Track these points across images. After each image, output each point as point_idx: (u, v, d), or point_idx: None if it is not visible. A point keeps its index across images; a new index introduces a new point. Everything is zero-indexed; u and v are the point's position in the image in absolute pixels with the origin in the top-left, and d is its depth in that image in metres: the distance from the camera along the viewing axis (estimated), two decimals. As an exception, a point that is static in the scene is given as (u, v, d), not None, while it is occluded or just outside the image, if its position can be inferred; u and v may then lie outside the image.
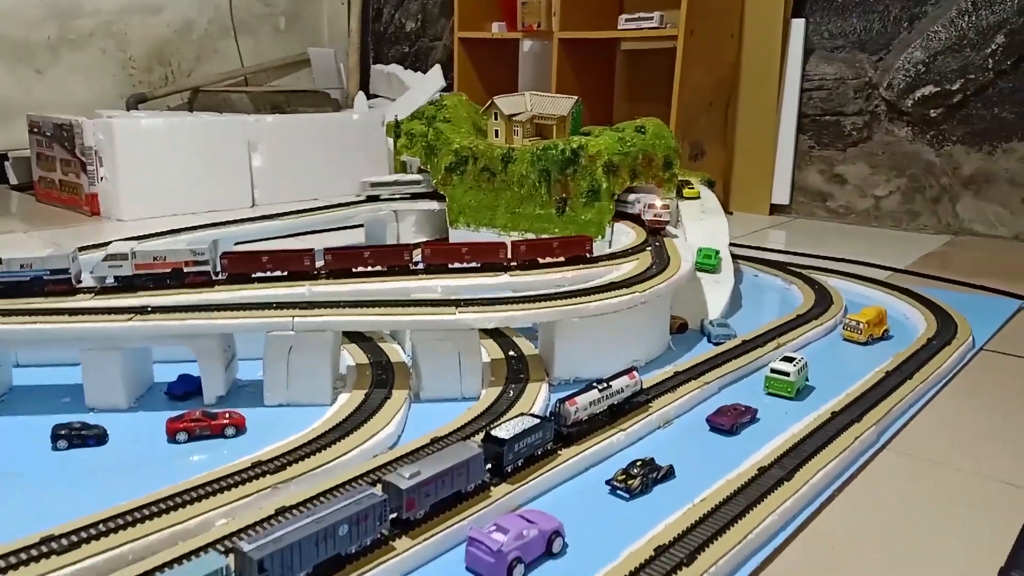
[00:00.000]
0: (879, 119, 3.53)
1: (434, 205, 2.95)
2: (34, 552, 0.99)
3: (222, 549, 0.99)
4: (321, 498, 1.12)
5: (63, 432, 1.37)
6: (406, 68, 5.29)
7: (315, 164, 4.03)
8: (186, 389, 1.59)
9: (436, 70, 4.75)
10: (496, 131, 2.84)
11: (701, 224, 2.55)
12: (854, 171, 3.62)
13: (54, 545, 1.00)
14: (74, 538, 1.02)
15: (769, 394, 1.65)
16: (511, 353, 1.78)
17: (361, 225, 2.93)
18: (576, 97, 2.80)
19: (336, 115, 4.50)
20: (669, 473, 1.31)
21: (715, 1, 3.54)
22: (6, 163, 4.28)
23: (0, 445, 1.39)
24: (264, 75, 5.38)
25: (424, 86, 4.75)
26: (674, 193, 2.70)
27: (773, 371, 1.65)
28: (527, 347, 1.81)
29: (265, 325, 1.54)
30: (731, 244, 2.57)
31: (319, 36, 5.65)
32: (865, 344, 1.98)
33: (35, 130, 3.76)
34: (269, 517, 1.09)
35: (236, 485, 1.18)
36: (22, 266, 1.72)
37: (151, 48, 4.84)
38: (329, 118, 4.34)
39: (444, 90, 4.75)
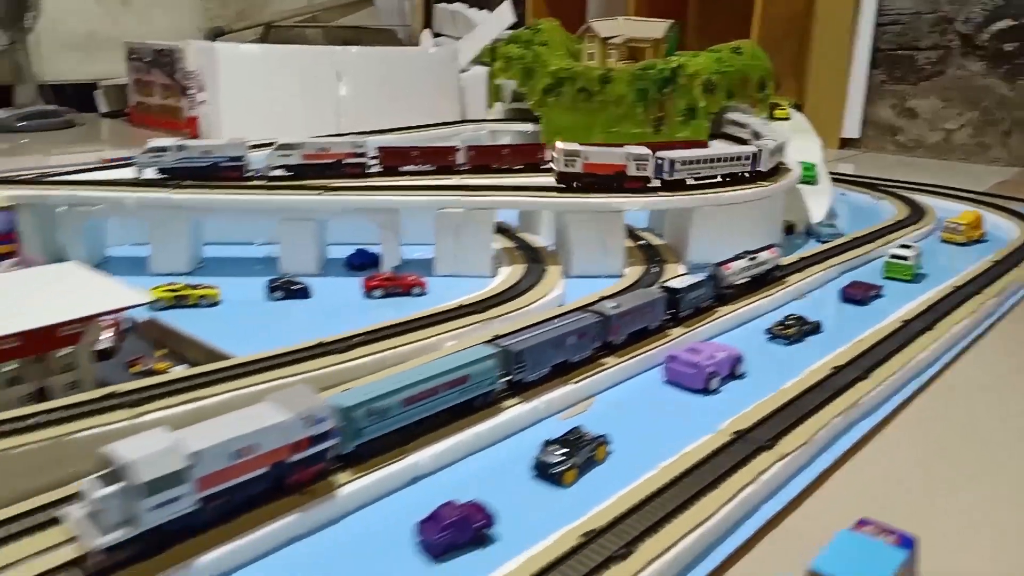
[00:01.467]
0: (953, 53, 3.60)
1: (528, 127, 3.09)
2: (315, 351, 1.17)
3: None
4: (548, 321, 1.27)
5: (278, 285, 1.56)
6: (470, 6, 5.38)
7: (394, 95, 4.17)
8: (363, 261, 1.77)
9: (506, 6, 4.84)
10: (591, 54, 2.96)
11: (795, 142, 2.68)
12: (926, 105, 3.71)
13: (328, 348, 1.19)
14: (342, 344, 1.20)
15: (887, 278, 1.81)
16: (641, 242, 1.94)
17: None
18: (672, 21, 2.91)
19: (414, 49, 4.62)
20: (817, 327, 1.47)
21: (794, -66, 3.61)
22: (95, 92, 4.45)
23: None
24: (332, 12, 5.49)
25: (493, 23, 4.84)
26: (766, 113, 2.82)
27: (893, 256, 1.80)
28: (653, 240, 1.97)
29: (439, 203, 1.71)
30: None
31: (384, -26, 5.74)
32: (963, 245, 2.12)
33: (134, 56, 3.92)
34: (488, 341, 1.26)
35: (452, 319, 1.36)
36: (203, 152, 1.90)
37: (228, -18, 4.97)
38: (408, 51, 4.47)
39: (514, 27, 4.84)
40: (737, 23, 3.67)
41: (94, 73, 4.49)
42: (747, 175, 1.96)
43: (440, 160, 2.02)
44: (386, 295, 1.60)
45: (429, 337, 1.28)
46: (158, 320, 1.32)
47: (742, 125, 2.73)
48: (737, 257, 1.57)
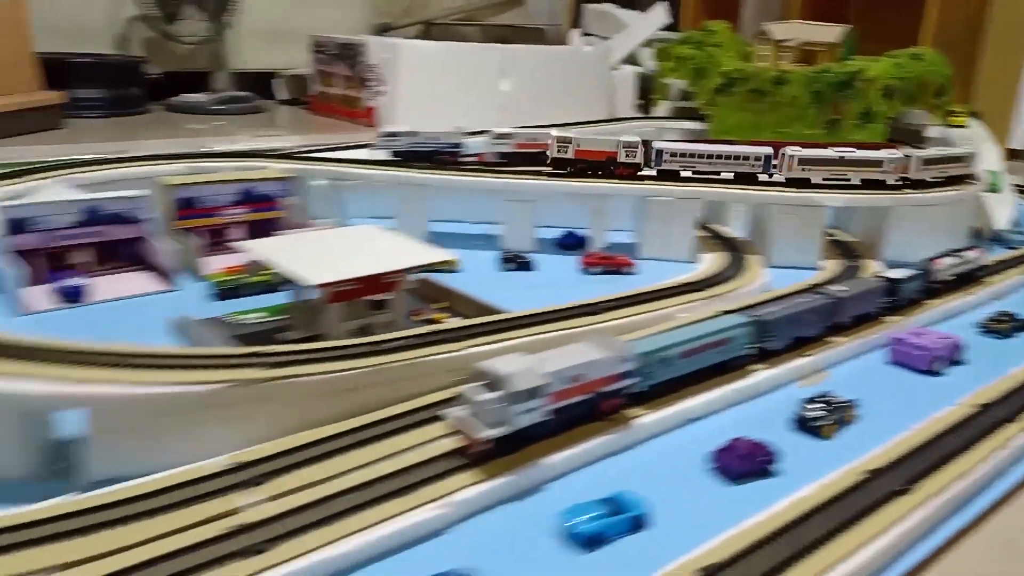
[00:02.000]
0: None
1: (695, 125, 3.20)
2: (575, 312, 1.35)
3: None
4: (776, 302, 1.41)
5: (509, 257, 1.75)
6: (620, 6, 5.51)
7: (551, 91, 4.36)
8: (572, 242, 1.95)
9: (661, 7, 4.94)
10: (763, 56, 3.04)
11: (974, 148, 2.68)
12: (1106, 116, 3.57)
13: (586, 309, 1.36)
14: (596, 307, 1.37)
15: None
16: (832, 237, 2.04)
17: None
18: (850, 26, 2.96)
19: (570, 48, 4.80)
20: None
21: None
22: (273, 80, 4.84)
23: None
24: (485, 11, 5.74)
25: (646, 23, 4.96)
26: (943, 120, 2.83)
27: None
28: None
29: (649, 191, 1.87)
30: None
31: (536, -25, 5.94)
32: None
33: (319, 49, 4.27)
34: (718, 316, 1.40)
35: (678, 295, 1.50)
36: (428, 139, 2.12)
37: (395, -19, 5.29)
38: (563, 50, 4.65)
39: (668, 28, 4.94)
40: (902, 27, 3.65)
41: (273, 63, 4.89)
42: (761, 175, 1.95)
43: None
44: (603, 272, 1.77)
45: (661, 308, 1.43)
46: (429, 279, 1.53)
47: (920, 131, 2.76)
48: (945, 254, 1.65)
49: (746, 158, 1.95)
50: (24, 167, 1.75)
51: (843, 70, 2.76)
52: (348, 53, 4.08)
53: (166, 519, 0.81)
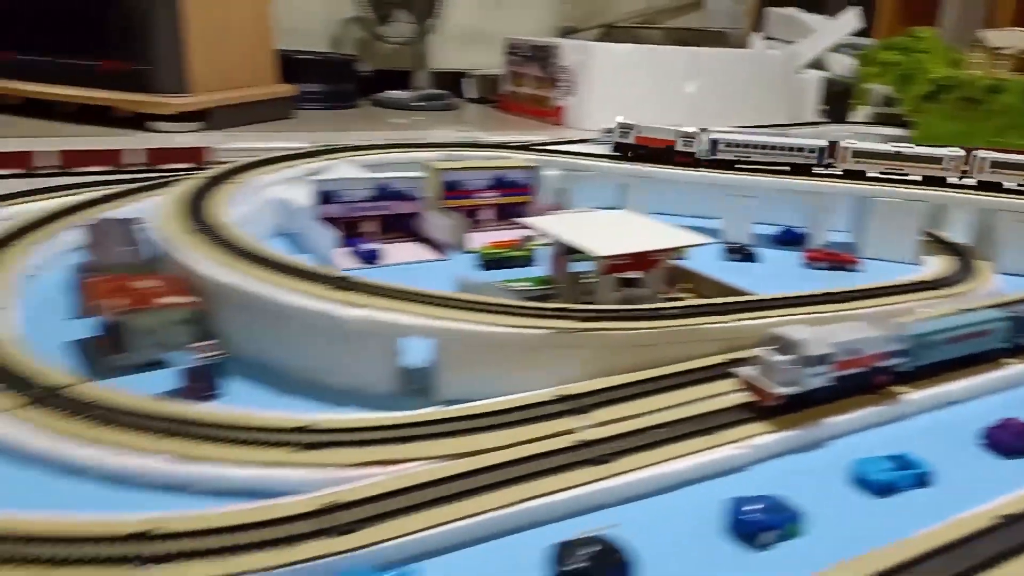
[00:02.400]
0: None
1: (896, 131, 3.16)
2: (816, 299, 1.44)
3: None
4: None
5: (735, 249, 1.87)
6: (806, 11, 5.43)
7: (736, 94, 4.40)
8: (790, 238, 2.03)
9: (852, 12, 4.85)
10: (976, 63, 2.97)
11: None
12: None
13: (828, 297, 1.45)
14: (841, 296, 1.46)
15: None
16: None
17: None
18: (1078, 33, 2.83)
19: (755, 51, 4.81)
20: None
21: None
22: (463, 79, 5.15)
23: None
24: (665, 15, 5.82)
25: (835, 28, 4.88)
26: None
27: None
28: None
29: (872, 192, 1.92)
30: None
31: (717, -21, 5.96)
32: None
33: (512, 50, 4.52)
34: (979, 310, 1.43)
35: (909, 292, 1.56)
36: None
37: (581, -14, 5.48)
38: (748, 54, 4.67)
39: (860, 33, 4.84)
40: None
41: (465, 63, 5.19)
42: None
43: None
44: (828, 267, 1.84)
45: (902, 303, 1.50)
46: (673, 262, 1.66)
47: None
48: None
49: (800, 149, 2.04)
50: (315, 149, 2.05)
51: (1071, 79, 2.66)
52: (541, 55, 4.30)
53: (514, 432, 0.99)
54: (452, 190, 1.90)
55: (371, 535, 0.79)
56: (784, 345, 1.05)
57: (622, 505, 0.90)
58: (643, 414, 1.04)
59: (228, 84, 3.37)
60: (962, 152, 1.99)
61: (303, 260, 1.30)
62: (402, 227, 1.83)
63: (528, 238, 1.76)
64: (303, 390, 1.11)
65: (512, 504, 0.85)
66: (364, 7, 4.39)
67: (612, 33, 5.62)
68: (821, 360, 1.04)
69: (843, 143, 2.01)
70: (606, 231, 1.45)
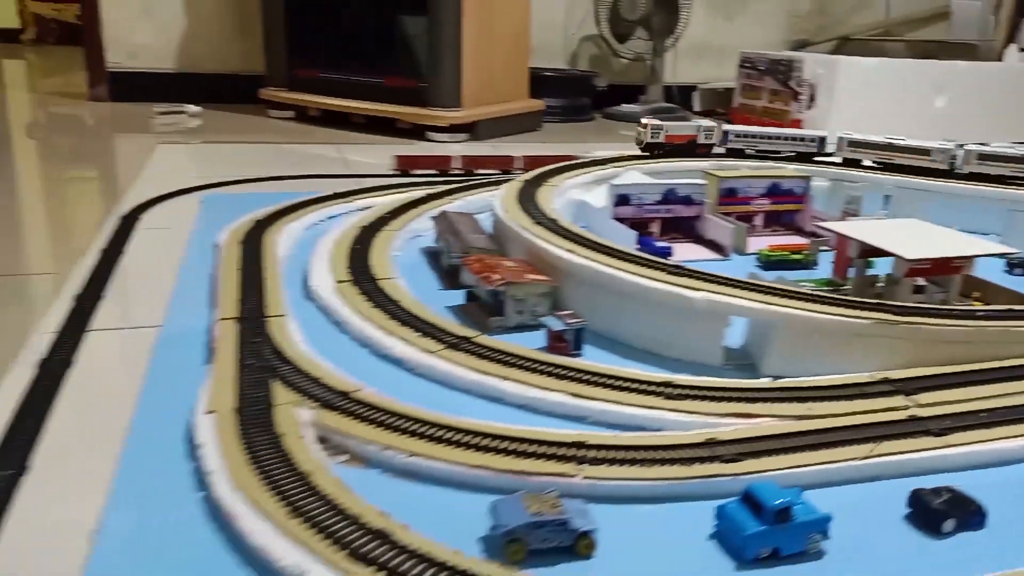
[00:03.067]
0: None
1: None
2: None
3: None
4: None
5: (1017, 263, 1.87)
6: (1073, 19, 5.02)
7: (990, 110, 4.19)
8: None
9: None
10: None
11: None
12: None
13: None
14: None
15: None
16: None
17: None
18: None
19: (1012, 64, 4.54)
20: None
21: None
22: (693, 92, 5.27)
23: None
24: (906, 26, 5.60)
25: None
26: None
27: None
28: None
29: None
30: None
31: (967, -13, 5.64)
32: None
33: (747, 64, 4.59)
34: None
35: None
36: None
37: (815, 0, 5.43)
38: (1005, 67, 4.41)
39: None
40: None
41: (695, 77, 5.33)
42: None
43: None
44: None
45: None
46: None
47: None
48: None
49: (802, 139, 2.39)
50: (604, 160, 2.30)
51: None
52: (778, 68, 4.34)
53: (849, 404, 1.14)
54: (729, 196, 2.07)
55: (750, 466, 0.98)
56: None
57: (958, 472, 1.03)
58: (967, 400, 1.16)
59: (491, 99, 3.75)
60: (951, 145, 2.22)
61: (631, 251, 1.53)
62: (682, 229, 2.02)
63: (814, 243, 1.88)
64: (642, 358, 1.33)
65: (864, 457, 1.01)
66: (604, 25, 4.66)
67: (848, 46, 5.52)
68: None
69: (840, 133, 2.30)
70: (906, 237, 1.55)
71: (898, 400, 1.15)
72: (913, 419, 1.10)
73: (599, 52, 5.06)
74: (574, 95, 4.67)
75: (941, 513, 0.90)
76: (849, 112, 4.02)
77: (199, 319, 1.38)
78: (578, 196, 2.05)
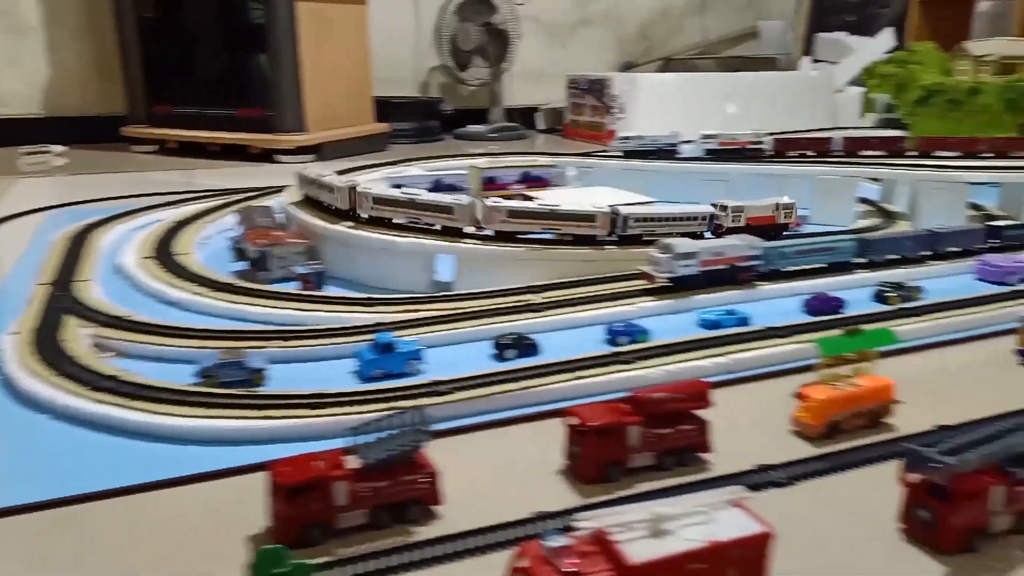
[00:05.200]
0: None
1: (897, 133, 3.62)
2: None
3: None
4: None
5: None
6: (851, 34, 5.87)
7: (774, 113, 4.91)
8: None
9: (888, 32, 5.28)
10: (962, 71, 3.41)
11: None
12: None
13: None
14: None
15: None
16: (983, 212, 2.46)
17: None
18: (1047, 38, 3.24)
19: (793, 73, 5.30)
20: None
21: None
22: (535, 113, 5.87)
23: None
24: (718, 45, 6.38)
25: (874, 47, 5.31)
26: None
27: None
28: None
29: (819, 171, 2.46)
30: None
31: (768, 11, 6.48)
32: None
33: (573, 85, 5.21)
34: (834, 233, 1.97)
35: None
36: (651, 140, 2.88)
37: (639, 26, 6.13)
38: (788, 75, 5.17)
39: (892, 51, 5.25)
40: None
41: (536, 99, 5.92)
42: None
43: (819, 147, 2.75)
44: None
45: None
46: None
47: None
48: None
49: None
50: (395, 160, 2.79)
51: (1035, 78, 3.08)
52: (596, 87, 4.96)
53: (490, 300, 1.63)
54: (491, 183, 2.58)
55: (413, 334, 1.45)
56: (664, 247, 1.65)
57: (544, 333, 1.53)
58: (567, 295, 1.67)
59: (335, 124, 4.21)
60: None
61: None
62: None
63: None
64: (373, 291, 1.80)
65: (478, 325, 1.50)
66: (446, 56, 5.20)
67: (670, 65, 6.23)
68: (688, 256, 1.64)
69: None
70: (581, 198, 2.08)
71: (529, 297, 1.65)
72: (530, 305, 1.60)
73: (447, 80, 5.60)
74: (423, 119, 5.18)
75: (508, 346, 1.39)
76: (650, 121, 4.66)
77: (26, 288, 1.77)
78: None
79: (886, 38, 5.26)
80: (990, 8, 4.78)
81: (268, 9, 3.85)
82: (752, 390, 1.31)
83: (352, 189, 1.90)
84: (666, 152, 2.85)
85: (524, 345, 1.40)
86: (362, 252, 1.83)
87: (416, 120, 5.11)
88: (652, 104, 4.69)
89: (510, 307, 1.59)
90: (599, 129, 4.96)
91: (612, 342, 1.46)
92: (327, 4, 4.13)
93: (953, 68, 3.43)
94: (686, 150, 2.87)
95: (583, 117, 5.14)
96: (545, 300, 1.62)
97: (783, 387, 1.25)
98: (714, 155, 2.80)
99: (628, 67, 6.09)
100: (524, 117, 5.91)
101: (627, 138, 2.87)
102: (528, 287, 1.70)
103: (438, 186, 2.48)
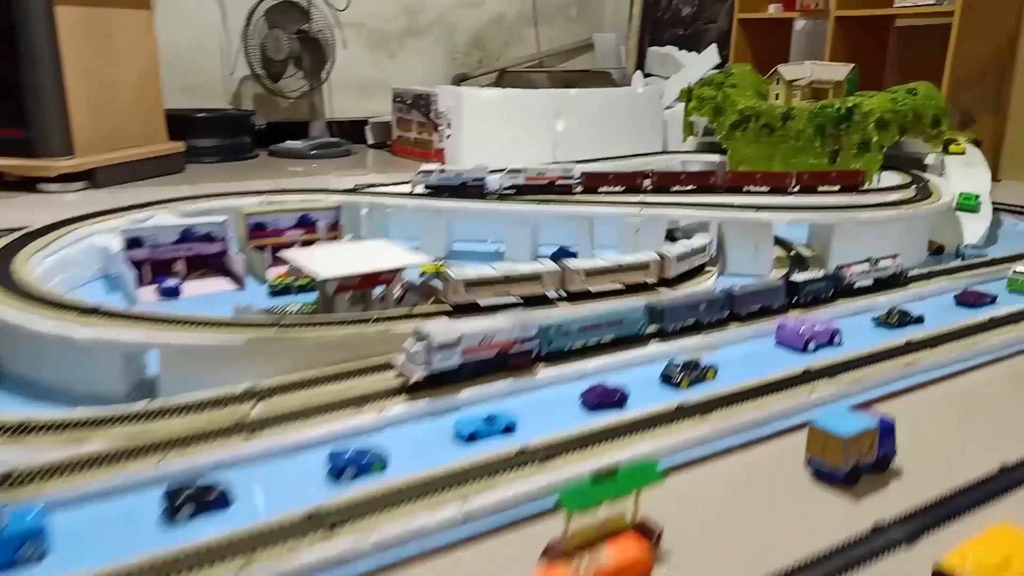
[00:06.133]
0: None
1: (716, 158, 3.54)
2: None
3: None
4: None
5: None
6: (680, 49, 5.89)
7: (604, 130, 4.79)
8: (563, 256, 2.36)
9: (712, 49, 5.30)
10: (777, 95, 3.36)
11: (964, 172, 2.91)
12: None
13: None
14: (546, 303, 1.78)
15: (1011, 291, 2.08)
16: (792, 253, 2.36)
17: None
18: (853, 64, 3.24)
19: (623, 89, 5.21)
20: (920, 319, 1.82)
21: (997, -24, 3.74)
22: (365, 126, 5.50)
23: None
24: (555, 57, 6.25)
25: (699, 63, 5.32)
26: (940, 148, 3.06)
27: (1015, 272, 2.07)
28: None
29: (625, 213, 2.26)
30: (995, 205, 2.89)
31: (603, 23, 6.42)
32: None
33: (398, 99, 4.88)
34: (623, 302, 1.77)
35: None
36: (455, 175, 2.60)
37: (472, 36, 5.89)
38: (617, 92, 5.07)
39: (718, 67, 5.28)
40: (936, 61, 3.84)
41: (365, 111, 5.54)
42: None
43: (630, 182, 2.57)
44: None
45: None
46: (429, 284, 1.97)
47: (921, 159, 3.03)
48: (861, 262, 1.96)
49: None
50: (146, 203, 2.35)
51: (842, 104, 3.05)
52: (421, 102, 4.66)
53: (200, 416, 1.28)
54: (258, 230, 2.21)
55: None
56: (419, 335, 1.36)
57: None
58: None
59: (114, 145, 3.67)
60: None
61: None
62: (211, 264, 2.13)
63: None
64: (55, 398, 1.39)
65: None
66: (257, 66, 4.73)
67: (504, 77, 6.01)
68: (450, 346, 1.35)
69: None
70: (347, 257, 1.76)
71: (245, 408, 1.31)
72: (240, 425, 1.26)
73: (262, 91, 5.11)
74: (232, 134, 4.69)
75: (183, 503, 1.04)
76: (479, 139, 4.42)
77: None
78: (100, 243, 2.08)
79: (711, 55, 5.28)
80: (806, 27, 4.87)
81: (20, 15, 3.27)
82: (491, 550, 1.03)
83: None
84: (472, 189, 2.58)
85: (206, 502, 1.06)
86: (35, 345, 1.43)
87: (223, 136, 4.61)
88: (480, 121, 4.44)
89: (204, 432, 1.24)
90: (427, 147, 4.66)
91: (337, 474, 1.15)
92: (98, 8, 3.58)
93: (769, 91, 3.37)
94: (493, 184, 2.61)
95: (410, 133, 4.83)
96: (260, 415, 1.29)
97: (531, 543, 0.98)
98: (519, 192, 2.56)
99: (462, 79, 5.83)
100: (354, 130, 5.53)
101: (427, 172, 2.58)
102: (248, 391, 1.36)
103: (188, 236, 2.09)
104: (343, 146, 4.97)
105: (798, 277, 1.85)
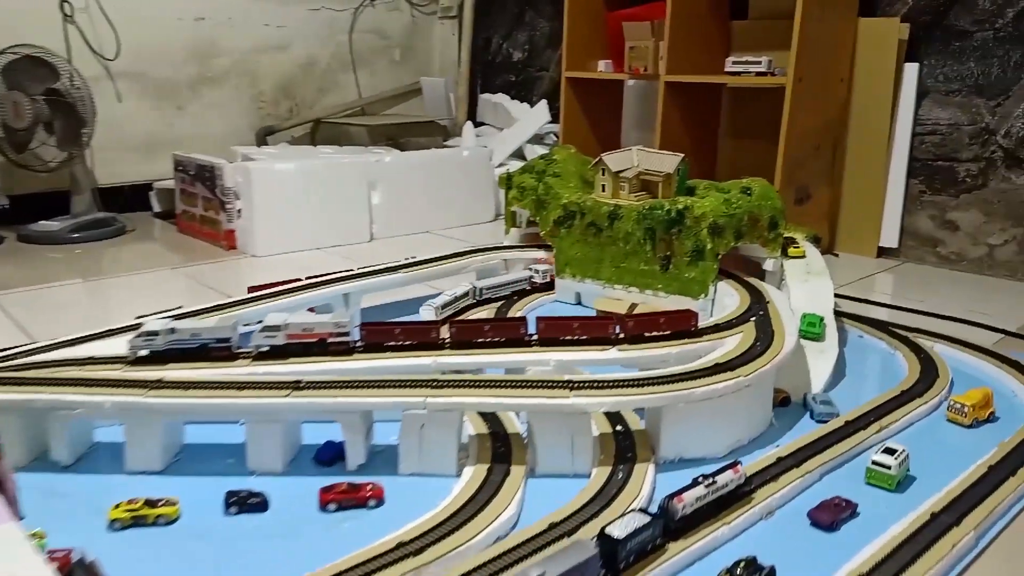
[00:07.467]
0: (995, 166, 3.45)
1: (543, 254, 3.11)
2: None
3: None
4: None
5: (234, 500, 1.60)
6: (512, 97, 5.47)
7: (427, 199, 4.27)
8: (331, 455, 1.80)
9: (542, 105, 4.90)
10: (603, 186, 2.96)
11: (806, 286, 2.60)
12: (967, 218, 3.55)
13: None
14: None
15: (869, 484, 1.72)
16: (619, 428, 1.91)
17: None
18: (682, 155, 2.89)
19: (447, 151, 4.72)
20: (772, 574, 1.41)
21: (826, 47, 3.54)
22: (150, 192, 4.70)
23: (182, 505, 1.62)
24: (379, 104, 5.67)
25: (530, 120, 4.92)
26: (779, 253, 2.76)
27: (875, 463, 1.72)
28: (633, 420, 1.93)
29: (403, 404, 1.73)
30: (836, 295, 2.61)
31: (431, 66, 5.90)
32: (969, 427, 2.01)
33: (180, 168, 4.14)
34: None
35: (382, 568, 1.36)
36: (192, 335, 1.98)
37: (278, 83, 5.20)
38: (441, 154, 4.57)
39: (549, 122, 4.89)
40: (769, 126, 3.60)
41: (150, 174, 4.75)
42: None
43: (423, 337, 2.05)
44: (339, 508, 1.62)
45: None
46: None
47: (756, 263, 2.71)
48: (693, 484, 1.53)
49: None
50: None
51: (672, 207, 2.68)
52: (206, 175, 3.97)
53: None
54: None
55: None
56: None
57: None
58: None
59: None
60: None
61: None
62: None
63: None
64: None
65: None
66: (-9, 134, 3.85)
67: (320, 129, 5.39)
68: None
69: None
70: None
71: None
72: None
73: (5, 162, 4.21)
74: (-38, 219, 3.79)
75: None
76: (275, 221, 3.77)
77: None
78: None
79: (541, 111, 4.89)
80: (637, 86, 4.56)
81: None
82: None
83: None
84: (217, 351, 1.97)
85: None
86: None
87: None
88: (276, 199, 3.80)
89: None
90: (215, 227, 3.96)
91: None
92: None
93: (595, 181, 2.96)
94: (249, 342, 2.01)
95: (196, 209, 4.10)
96: None
97: None
98: (280, 354, 1.97)
99: (268, 132, 5.14)
100: (137, 197, 4.72)
101: (149, 334, 1.94)
102: None
103: None
104: (114, 224, 4.17)
105: (616, 530, 1.38)
